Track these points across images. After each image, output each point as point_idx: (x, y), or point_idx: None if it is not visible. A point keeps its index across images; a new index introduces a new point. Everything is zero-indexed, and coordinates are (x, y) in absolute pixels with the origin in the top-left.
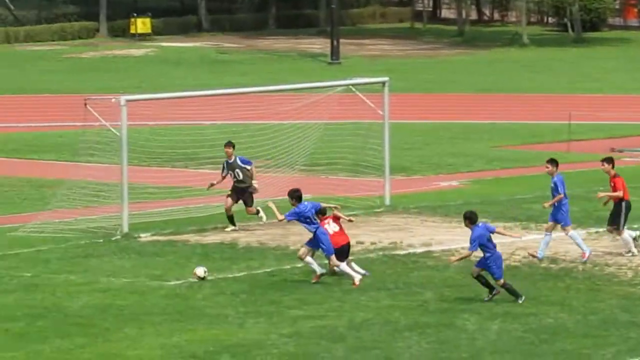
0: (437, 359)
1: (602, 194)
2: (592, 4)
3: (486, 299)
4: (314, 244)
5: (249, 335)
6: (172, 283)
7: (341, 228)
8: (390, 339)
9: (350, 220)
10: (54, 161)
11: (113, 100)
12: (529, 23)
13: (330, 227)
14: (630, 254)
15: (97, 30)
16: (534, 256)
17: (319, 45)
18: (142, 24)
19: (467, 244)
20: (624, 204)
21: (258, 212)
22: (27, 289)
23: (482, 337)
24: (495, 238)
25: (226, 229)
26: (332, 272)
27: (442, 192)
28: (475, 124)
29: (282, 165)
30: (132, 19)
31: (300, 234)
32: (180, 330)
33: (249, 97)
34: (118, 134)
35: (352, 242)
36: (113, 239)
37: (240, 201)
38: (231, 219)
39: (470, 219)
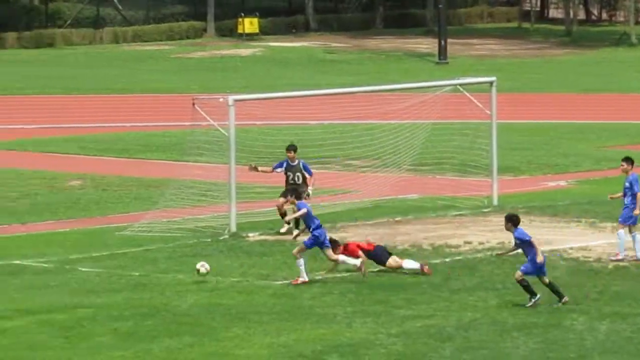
0: (545, 359)
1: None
2: None
3: (529, 304)
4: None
5: (356, 334)
6: (280, 282)
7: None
8: (498, 339)
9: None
10: (162, 161)
11: (221, 100)
12: (637, 23)
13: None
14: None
15: (205, 30)
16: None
17: (426, 45)
18: (249, 24)
19: (576, 244)
20: None
21: (289, 223)
22: (136, 288)
23: (591, 337)
24: (605, 238)
25: (281, 230)
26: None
27: (550, 192)
28: (583, 124)
29: (390, 165)
30: (240, 19)
31: (407, 234)
32: (288, 330)
33: (356, 96)
34: (226, 133)
35: (460, 241)
36: (221, 238)
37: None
38: (284, 217)
39: (512, 222)
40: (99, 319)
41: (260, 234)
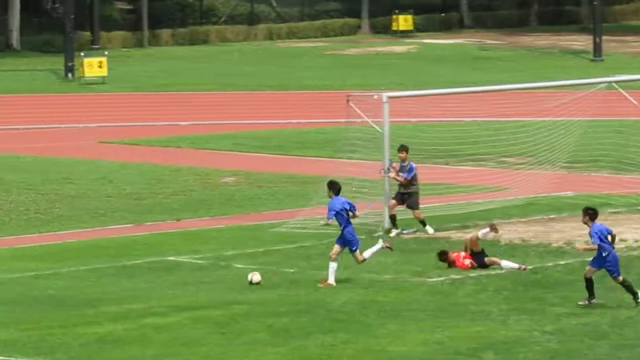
0: None
1: None
2: None
3: (582, 302)
4: (343, 241)
5: (511, 332)
6: (434, 280)
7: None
8: None
9: None
10: (317, 157)
11: (375, 96)
12: None
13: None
14: None
15: (359, 27)
16: None
17: (581, 42)
18: (404, 21)
19: None
20: None
21: (424, 224)
22: (290, 285)
23: None
24: None
25: (391, 234)
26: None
27: None
28: None
29: (544, 162)
30: (394, 16)
31: (561, 231)
32: (443, 327)
33: (510, 93)
34: (380, 130)
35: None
36: (375, 235)
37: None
38: (393, 220)
39: (590, 215)
40: (254, 315)
41: (415, 231)
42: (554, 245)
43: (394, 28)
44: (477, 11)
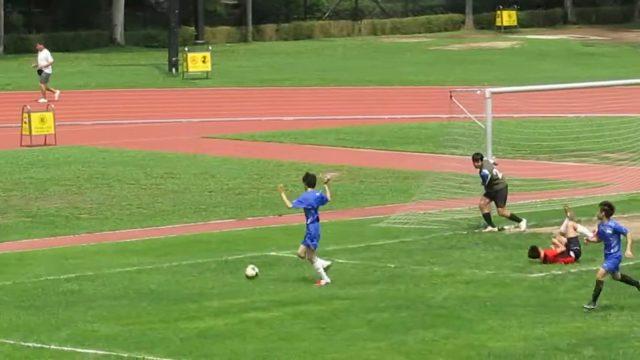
0: None
1: None
2: None
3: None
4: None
5: (611, 328)
6: (535, 275)
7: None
8: None
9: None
10: (419, 153)
11: (478, 92)
12: None
13: None
14: None
15: (463, 22)
16: None
17: None
18: (507, 17)
19: None
20: None
21: (517, 219)
22: (391, 280)
23: None
24: None
25: (483, 230)
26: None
27: None
28: None
29: None
30: (498, 12)
31: None
32: (543, 323)
33: (613, 89)
34: (483, 126)
35: None
36: (477, 230)
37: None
38: (487, 218)
39: (606, 211)
40: (354, 310)
41: (516, 227)
42: None
43: (498, 24)
44: (581, 7)
